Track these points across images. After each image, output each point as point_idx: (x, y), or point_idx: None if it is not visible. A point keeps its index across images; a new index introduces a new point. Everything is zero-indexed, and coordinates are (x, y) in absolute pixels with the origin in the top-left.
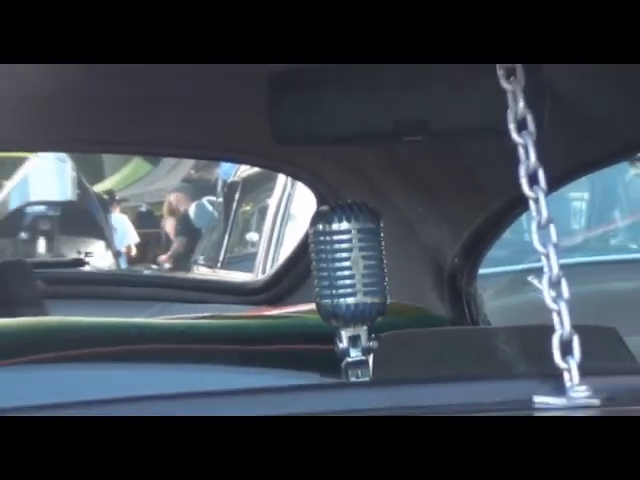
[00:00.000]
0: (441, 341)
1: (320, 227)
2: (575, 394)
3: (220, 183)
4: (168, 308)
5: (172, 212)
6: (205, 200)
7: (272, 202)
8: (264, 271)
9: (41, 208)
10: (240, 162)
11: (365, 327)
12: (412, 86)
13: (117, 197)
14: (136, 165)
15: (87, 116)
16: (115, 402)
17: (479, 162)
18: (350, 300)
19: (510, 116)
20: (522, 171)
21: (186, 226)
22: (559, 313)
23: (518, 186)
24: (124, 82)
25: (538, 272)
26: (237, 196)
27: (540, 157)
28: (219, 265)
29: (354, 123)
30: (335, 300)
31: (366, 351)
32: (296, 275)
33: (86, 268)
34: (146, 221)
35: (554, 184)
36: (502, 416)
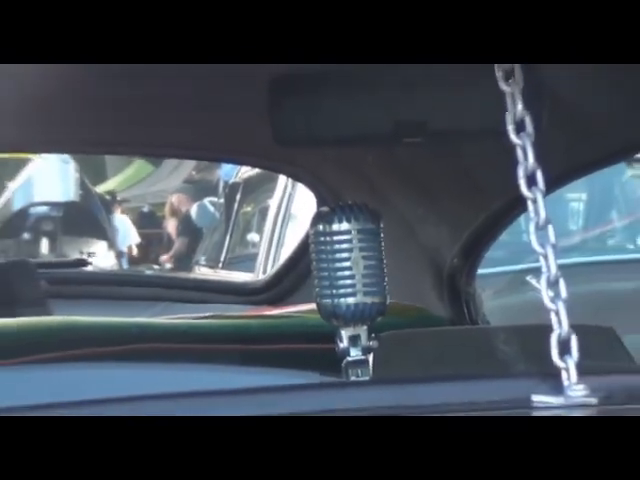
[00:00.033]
0: (440, 341)
1: (320, 228)
2: (573, 393)
3: (221, 184)
4: (170, 308)
5: (174, 213)
6: (207, 201)
7: (273, 203)
8: (265, 271)
9: (44, 209)
10: (241, 163)
11: (365, 327)
12: (411, 88)
13: (118, 198)
14: (138, 166)
15: (88, 117)
16: (116, 402)
17: (478, 163)
18: (350, 300)
19: (509, 118)
20: (520, 172)
21: (188, 227)
22: (557, 313)
23: (516, 187)
24: (126, 83)
25: (536, 272)
26: (238, 197)
27: (538, 158)
28: (220, 265)
29: (354, 125)
30: (335, 300)
31: (366, 350)
32: (297, 275)
33: (89, 268)
34: (148, 222)
35: (552, 185)
36: (500, 414)
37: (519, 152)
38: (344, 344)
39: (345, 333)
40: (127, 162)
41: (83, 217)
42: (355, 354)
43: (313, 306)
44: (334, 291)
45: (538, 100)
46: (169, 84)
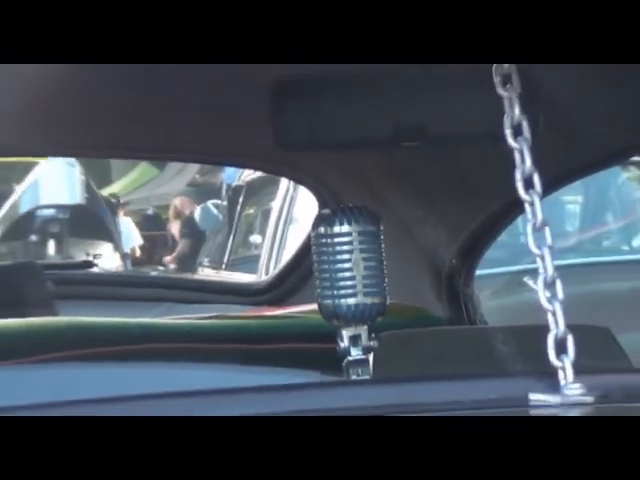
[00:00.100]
0: (439, 340)
1: (322, 230)
2: (569, 392)
3: (224, 187)
4: (173, 308)
5: (178, 215)
6: (210, 203)
7: (275, 205)
8: (267, 272)
9: (51, 211)
10: (244, 167)
11: (365, 327)
12: (410, 93)
13: (121, 201)
14: (143, 170)
15: (93, 121)
16: (121, 400)
17: (476, 167)
18: (351, 300)
19: (506, 122)
20: (518, 175)
21: (191, 229)
22: (554, 313)
23: (514, 190)
24: (129, 88)
25: (533, 273)
26: (241, 199)
27: (535, 162)
28: (223, 267)
29: (355, 128)
30: (336, 300)
31: (366, 350)
32: (298, 276)
33: (94, 270)
34: (152, 224)
35: (549, 188)
36: (498, 412)
37: (516, 155)
38: (345, 344)
39: (346, 333)
40: (132, 165)
41: (89, 219)
42: (356, 353)
43: (314, 306)
44: (335, 292)
45: (535, 104)
46: (172, 88)
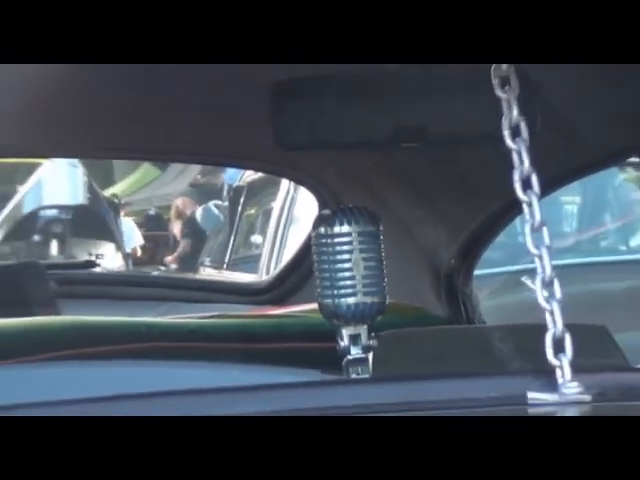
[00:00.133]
0: (438, 339)
1: (322, 230)
2: (567, 390)
3: (226, 188)
4: (175, 308)
5: (179, 215)
6: (211, 204)
7: (276, 206)
8: (268, 272)
9: (54, 212)
10: (244, 167)
11: (365, 326)
12: (411, 94)
13: (122, 201)
14: (145, 170)
15: (93, 122)
16: (124, 399)
17: (474, 168)
18: (351, 300)
19: (504, 123)
20: (516, 176)
21: (193, 229)
22: (552, 312)
23: (512, 190)
24: (130, 88)
25: (531, 273)
26: (242, 200)
27: (533, 163)
28: (225, 266)
29: (355, 129)
30: (336, 300)
31: (366, 349)
32: (299, 276)
33: (97, 269)
34: (154, 224)
35: (547, 188)
36: (497, 410)
37: (515, 156)
38: (345, 343)
39: (346, 332)
40: (134, 166)
41: (91, 220)
42: (355, 352)
43: (315, 306)
44: (335, 291)
45: (533, 106)
46: (172, 88)
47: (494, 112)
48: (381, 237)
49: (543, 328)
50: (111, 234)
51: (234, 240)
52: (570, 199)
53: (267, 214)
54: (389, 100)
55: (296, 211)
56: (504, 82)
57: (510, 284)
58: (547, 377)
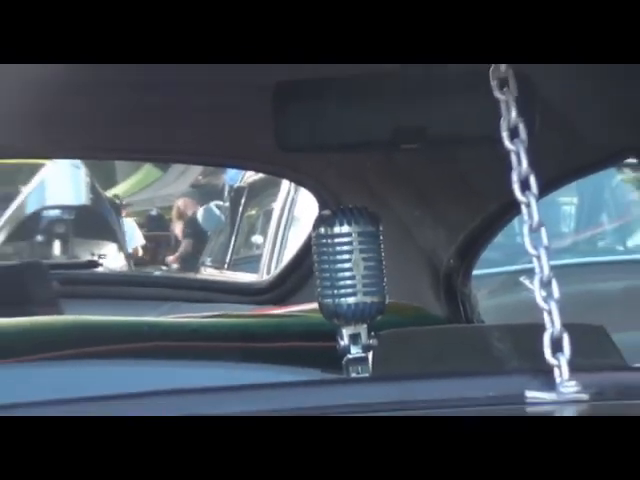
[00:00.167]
0: (438, 338)
1: (322, 230)
2: (565, 389)
3: (227, 188)
4: (177, 307)
5: (181, 216)
6: (212, 204)
7: (276, 206)
8: (269, 272)
9: (56, 212)
10: (245, 168)
11: (365, 325)
12: (410, 96)
13: (124, 202)
14: (147, 171)
15: (93, 122)
16: (125, 398)
17: (473, 169)
18: (351, 300)
19: (503, 125)
20: (514, 177)
21: (194, 229)
22: (550, 312)
23: (510, 191)
24: (130, 88)
25: (530, 273)
26: (243, 201)
27: (532, 164)
28: (226, 266)
29: (356, 131)
30: (336, 300)
31: (366, 348)
32: (299, 276)
33: (99, 269)
34: (156, 224)
35: (545, 189)
36: (495, 409)
37: (513, 158)
38: (345, 342)
39: (346, 331)
40: (136, 167)
41: (94, 220)
42: (355, 352)
43: (315, 306)
44: (335, 291)
45: (531, 107)
46: (172, 88)
47: (493, 113)
48: (381, 237)
49: (541, 328)
50: (113, 234)
51: (235, 240)
52: (568, 200)
53: (268, 215)
54: (389, 101)
55: (296, 212)
56: (502, 84)
57: (508, 284)
58: (545, 376)
